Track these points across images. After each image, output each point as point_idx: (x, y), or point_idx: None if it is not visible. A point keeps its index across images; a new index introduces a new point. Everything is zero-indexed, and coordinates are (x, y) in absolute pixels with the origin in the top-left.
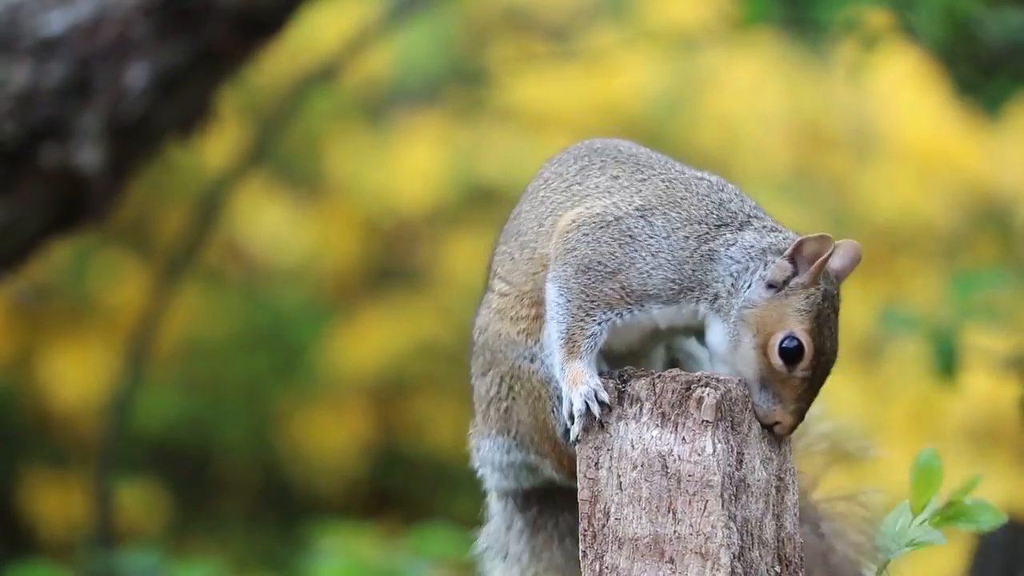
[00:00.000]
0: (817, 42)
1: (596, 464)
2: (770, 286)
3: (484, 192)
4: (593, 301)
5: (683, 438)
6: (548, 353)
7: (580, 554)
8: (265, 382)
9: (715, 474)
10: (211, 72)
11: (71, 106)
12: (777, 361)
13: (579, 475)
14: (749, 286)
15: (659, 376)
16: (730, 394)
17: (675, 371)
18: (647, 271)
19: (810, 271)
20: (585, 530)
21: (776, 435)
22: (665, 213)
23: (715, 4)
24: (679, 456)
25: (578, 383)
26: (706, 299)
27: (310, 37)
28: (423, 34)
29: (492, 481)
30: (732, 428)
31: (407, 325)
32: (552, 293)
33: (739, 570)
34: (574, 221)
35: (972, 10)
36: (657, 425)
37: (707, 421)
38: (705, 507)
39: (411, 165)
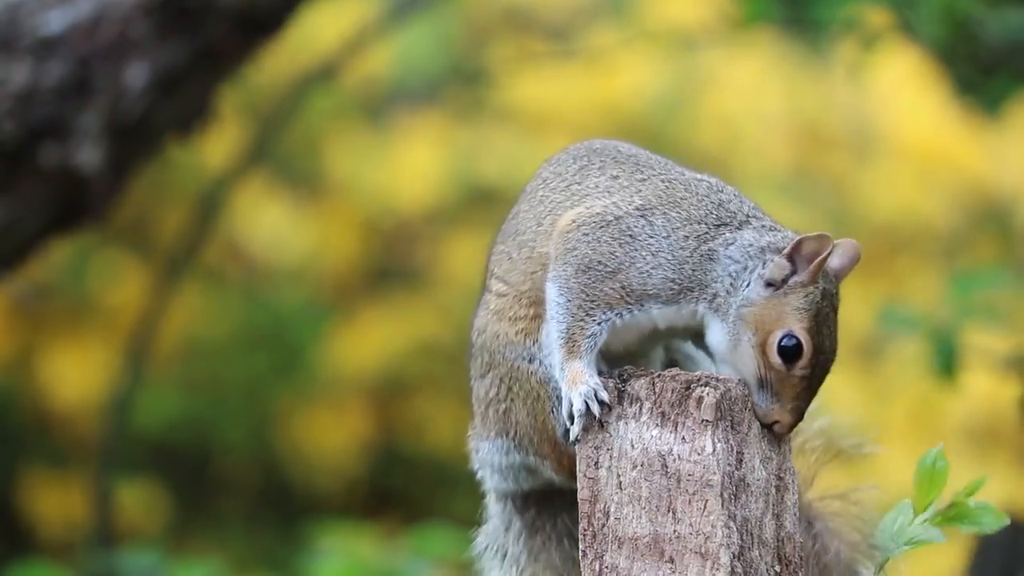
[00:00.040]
0: (817, 42)
1: (596, 464)
2: (769, 285)
3: (484, 192)
4: (593, 301)
5: (683, 437)
6: (547, 353)
7: (580, 554)
8: (265, 382)
9: (715, 473)
10: (211, 72)
11: (71, 105)
12: (776, 360)
13: (579, 475)
14: (748, 285)
15: (659, 375)
16: (730, 393)
17: (675, 370)
18: (647, 271)
19: (809, 270)
20: (585, 530)
21: (775, 434)
22: (665, 213)
23: (715, 4)
24: (679, 455)
25: (578, 383)
26: (705, 299)
27: (310, 37)
28: (423, 34)
29: (491, 482)
30: (732, 427)
31: (407, 325)
32: (552, 292)
33: (739, 569)
34: (574, 221)
35: (972, 10)
36: (657, 424)
37: (707, 420)
38: (705, 506)
39: (411, 165)
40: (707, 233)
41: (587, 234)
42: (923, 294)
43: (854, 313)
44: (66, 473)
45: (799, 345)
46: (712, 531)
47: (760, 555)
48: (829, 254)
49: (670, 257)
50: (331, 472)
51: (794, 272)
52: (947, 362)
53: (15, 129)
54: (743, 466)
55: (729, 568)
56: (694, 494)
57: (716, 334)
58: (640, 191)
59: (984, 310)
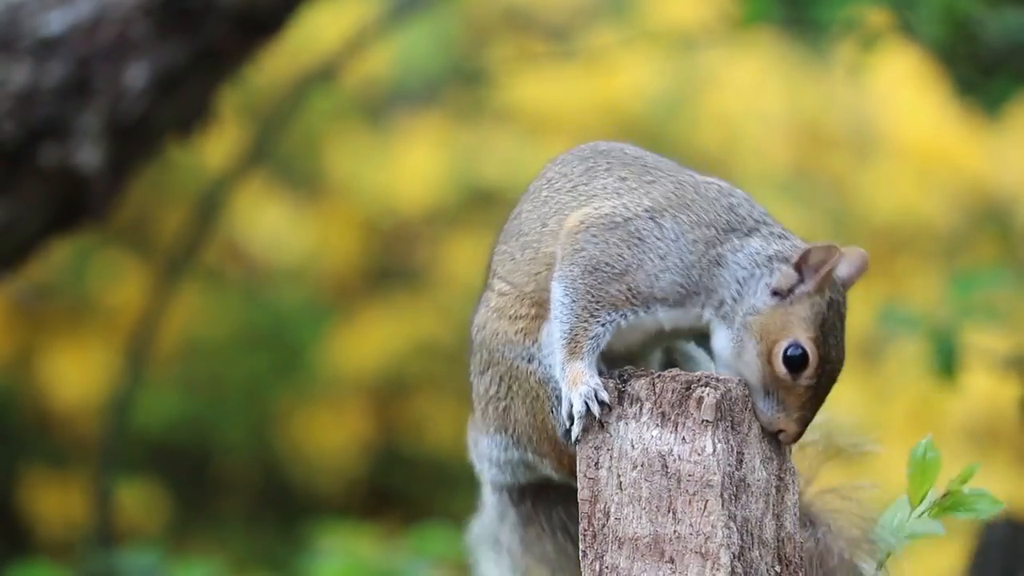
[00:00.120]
0: (817, 42)
1: (596, 464)
2: (775, 294)
3: (484, 192)
4: (599, 302)
5: (683, 438)
6: (548, 353)
7: (580, 554)
8: (265, 382)
9: (715, 474)
10: (211, 72)
11: (71, 106)
12: (781, 369)
13: (579, 475)
14: (754, 293)
15: (659, 376)
16: (730, 394)
17: (675, 371)
18: (655, 273)
19: (816, 280)
20: (585, 530)
21: (781, 443)
22: (675, 215)
23: (715, 4)
24: (679, 456)
25: (578, 383)
26: (712, 305)
27: (310, 37)
28: (423, 34)
29: (488, 475)
30: (732, 428)
31: (407, 325)
32: (557, 292)
33: (739, 570)
34: (582, 222)
35: (972, 9)
36: (657, 425)
37: (707, 421)
38: (705, 507)
39: (411, 165)
40: (716, 238)
41: (595, 235)
42: (923, 294)
43: (854, 313)
44: (66, 473)
45: (805, 355)
46: (712, 531)
47: (760, 555)
48: (836, 264)
49: (678, 261)
50: (331, 472)
51: (801, 281)
52: (947, 362)
53: (15, 129)
54: (743, 466)
55: (729, 568)
56: (694, 494)
57: (721, 341)
58: (649, 193)
59: (984, 310)
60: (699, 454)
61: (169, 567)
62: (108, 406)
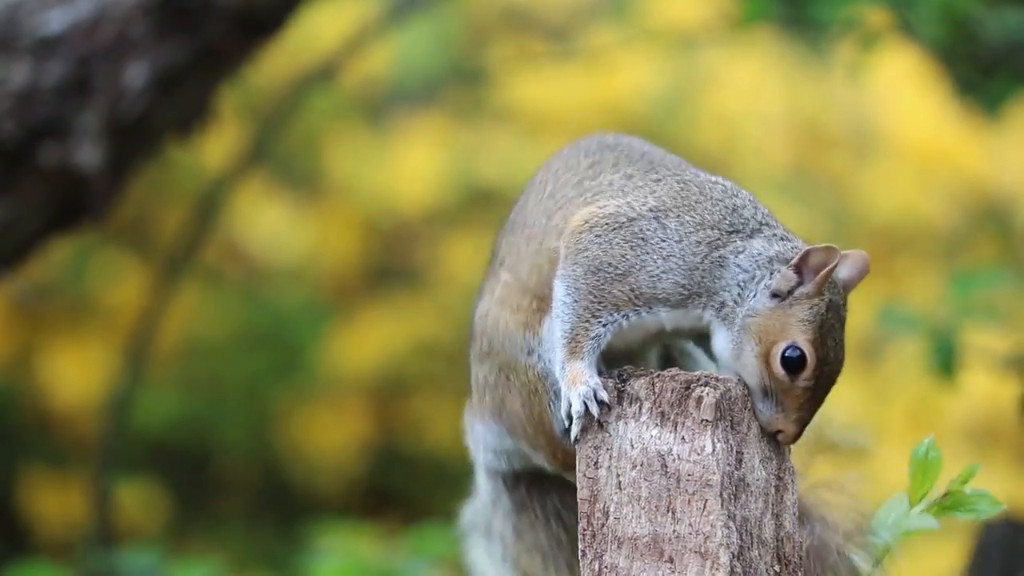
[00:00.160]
0: (816, 41)
1: (595, 463)
2: (774, 295)
3: (483, 192)
4: (600, 302)
5: (682, 437)
6: (548, 348)
7: (579, 553)
8: (264, 382)
9: (714, 473)
10: (210, 71)
11: (70, 105)
12: (779, 370)
13: (578, 474)
14: (754, 295)
15: (658, 375)
16: (729, 393)
17: (674, 370)
18: (657, 275)
19: (815, 282)
20: (584, 529)
21: (779, 443)
22: (679, 216)
23: (714, 3)
24: (678, 455)
25: (577, 383)
26: (713, 306)
27: (309, 36)
28: (422, 34)
29: (482, 460)
30: (731, 427)
31: (406, 325)
32: (559, 291)
33: (738, 569)
34: (586, 221)
35: (971, 9)
36: (656, 424)
37: (706, 420)
38: (704, 506)
39: (410, 165)
40: (719, 239)
41: (599, 235)
42: (923, 293)
43: (854, 313)
44: (65, 473)
45: (803, 357)
46: (711, 531)
47: (760, 555)
48: (835, 266)
49: (681, 262)
50: (331, 472)
51: (800, 283)
52: (946, 361)
53: (15, 129)
54: (743, 466)
55: (728, 568)
56: (694, 494)
57: (721, 342)
58: (654, 192)
59: (984, 310)
60: (698, 454)
61: (169, 567)
62: (108, 406)
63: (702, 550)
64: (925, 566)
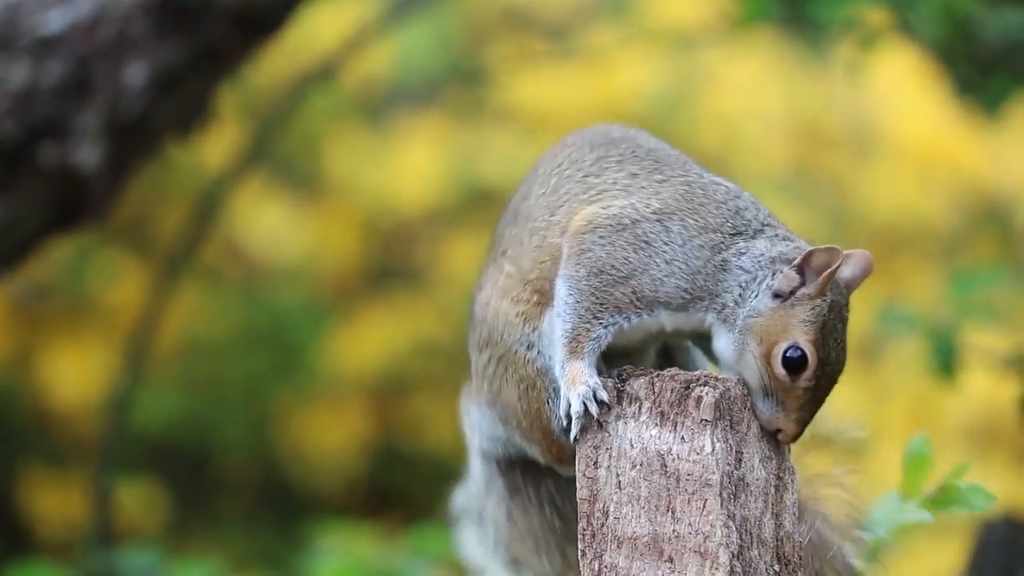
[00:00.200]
0: (816, 41)
1: (595, 463)
2: (776, 296)
3: (483, 192)
4: (602, 304)
5: (682, 437)
6: (547, 344)
7: (579, 553)
8: (264, 381)
9: (714, 473)
10: (210, 71)
11: (70, 105)
12: (780, 371)
13: (578, 474)
14: (756, 296)
15: (658, 375)
16: (729, 393)
17: (674, 370)
18: (660, 278)
19: (817, 282)
20: (584, 529)
21: (779, 442)
22: (683, 219)
23: (714, 3)
24: (678, 455)
25: (577, 383)
26: (714, 309)
27: (309, 36)
28: (422, 33)
29: (477, 442)
30: (731, 427)
31: (406, 325)
32: (562, 292)
33: (738, 569)
34: (590, 222)
35: (971, 9)
36: (656, 424)
37: (706, 420)
38: (704, 506)
39: (410, 165)
40: (722, 243)
41: (603, 237)
42: (922, 293)
43: (854, 312)
44: (65, 472)
45: (804, 357)
46: (711, 530)
47: (759, 554)
48: (838, 267)
49: (684, 266)
50: (330, 471)
51: (803, 284)
52: (946, 361)
53: (14, 128)
54: (742, 465)
55: (728, 567)
56: (693, 493)
57: (722, 343)
58: (659, 193)
59: (983, 309)
60: (698, 453)
61: (168, 566)
62: (107, 405)
63: (702, 550)
64: (925, 566)
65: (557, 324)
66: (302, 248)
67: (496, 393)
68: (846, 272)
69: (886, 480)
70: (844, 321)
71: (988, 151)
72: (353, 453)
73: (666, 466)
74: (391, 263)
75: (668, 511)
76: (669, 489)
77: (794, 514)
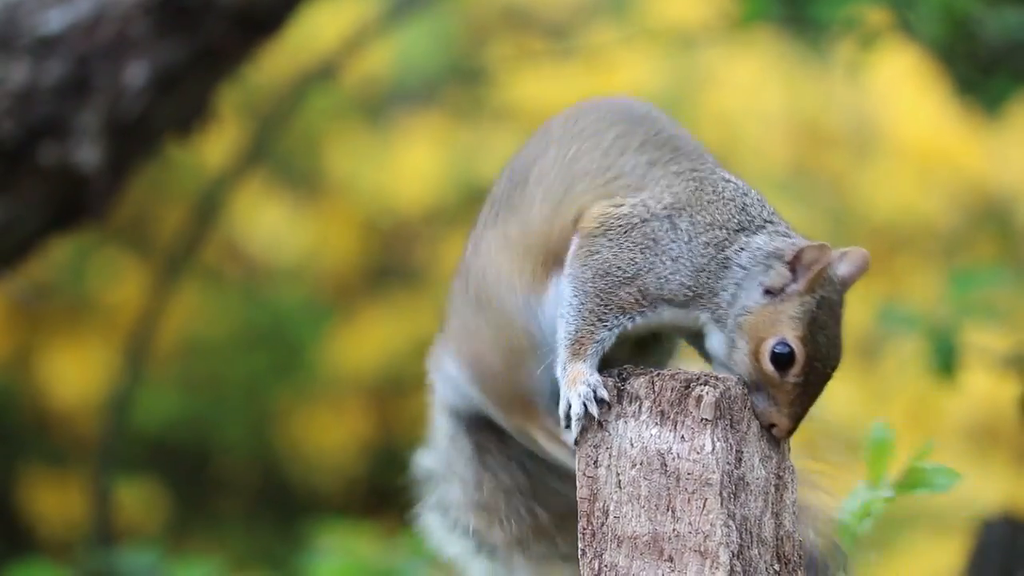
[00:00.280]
0: (816, 40)
1: (595, 462)
2: (768, 292)
3: (483, 191)
4: (607, 306)
5: (682, 436)
6: (548, 314)
7: (579, 552)
8: (264, 381)
9: (714, 472)
10: (210, 71)
11: (70, 104)
12: (768, 367)
13: (578, 473)
14: (748, 292)
15: (658, 374)
16: (729, 392)
17: (674, 369)
18: (665, 276)
19: (806, 279)
20: (584, 528)
21: (774, 437)
22: (691, 216)
23: (714, 2)
24: (678, 454)
25: (577, 383)
26: (710, 308)
27: (309, 36)
28: (422, 33)
29: (444, 396)
30: (731, 426)
31: (406, 324)
32: (567, 292)
33: (738, 568)
34: (601, 224)
35: (971, 9)
36: (656, 423)
37: (706, 419)
38: (704, 505)
39: (410, 164)
40: (726, 239)
41: (611, 239)
42: (922, 293)
43: (853, 312)
44: (65, 472)
45: (791, 353)
46: (711, 530)
47: (759, 554)
48: (827, 264)
49: (689, 264)
50: (330, 471)
51: (794, 280)
52: (946, 361)
53: (14, 128)
54: (742, 465)
55: (728, 567)
56: (693, 493)
57: (714, 341)
58: (672, 186)
59: (983, 309)
60: (698, 452)
61: (168, 566)
62: (107, 405)
63: (702, 549)
64: (925, 565)
65: (560, 325)
66: (302, 248)
67: (476, 352)
68: (842, 269)
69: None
70: (837, 318)
71: (988, 151)
72: (353, 453)
73: (666, 465)
74: (391, 263)
75: (668, 510)
76: (669, 488)
77: (794, 513)
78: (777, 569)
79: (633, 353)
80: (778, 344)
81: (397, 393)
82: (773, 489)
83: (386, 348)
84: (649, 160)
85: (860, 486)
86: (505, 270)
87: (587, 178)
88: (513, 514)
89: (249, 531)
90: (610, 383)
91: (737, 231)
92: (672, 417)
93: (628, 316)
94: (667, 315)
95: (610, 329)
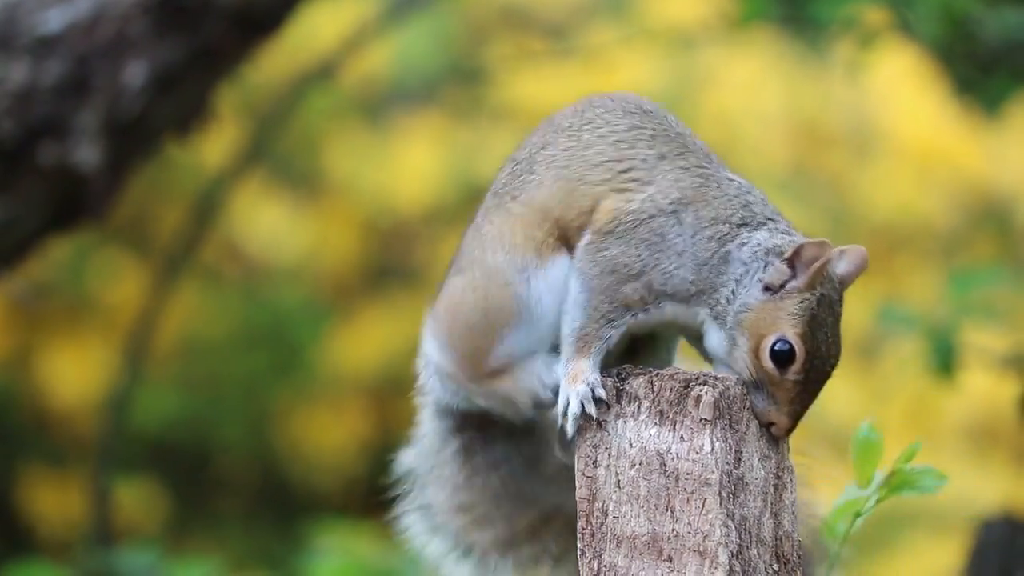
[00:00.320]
0: (815, 40)
1: (594, 462)
2: (767, 288)
3: (482, 191)
4: (613, 303)
5: (681, 436)
6: (545, 286)
7: (578, 552)
8: (263, 381)
9: (713, 472)
10: (209, 70)
11: (69, 104)
12: (768, 364)
13: (577, 473)
14: (747, 289)
15: (657, 374)
16: (728, 392)
17: (673, 369)
18: (670, 271)
19: (806, 276)
20: (583, 528)
21: (773, 435)
22: (696, 211)
23: (713, 2)
24: (677, 454)
25: (577, 381)
26: (709, 304)
27: (308, 36)
28: (421, 33)
29: (434, 391)
30: (730, 426)
31: (405, 324)
32: (574, 288)
33: (737, 568)
34: (614, 219)
35: (970, 8)
36: (655, 423)
37: (705, 419)
38: (703, 505)
39: (409, 164)
40: (728, 234)
41: (620, 237)
42: (921, 292)
43: (852, 311)
44: (65, 472)
45: (791, 350)
46: (710, 530)
47: (758, 553)
48: (827, 261)
49: (692, 258)
50: (330, 471)
51: (793, 277)
52: (945, 360)
53: (13, 128)
54: (741, 465)
55: (727, 566)
56: (692, 493)
57: (713, 338)
58: (679, 180)
59: (982, 308)
60: (697, 452)
61: (167, 566)
62: (106, 405)
63: (701, 549)
64: (924, 565)
65: (565, 322)
66: (301, 247)
67: (451, 309)
68: (840, 267)
69: None
70: (836, 315)
71: (987, 150)
72: (352, 452)
73: (665, 465)
74: (390, 262)
75: (667, 510)
76: (668, 488)
77: (793, 513)
78: (776, 569)
79: (627, 357)
80: (778, 341)
81: (396, 393)
82: (772, 489)
83: (385, 348)
84: (659, 154)
85: (848, 487)
86: (512, 231)
87: (600, 167)
88: (499, 516)
89: (248, 531)
90: (609, 383)
91: (740, 226)
92: (671, 417)
93: (632, 313)
94: (669, 311)
95: (615, 327)
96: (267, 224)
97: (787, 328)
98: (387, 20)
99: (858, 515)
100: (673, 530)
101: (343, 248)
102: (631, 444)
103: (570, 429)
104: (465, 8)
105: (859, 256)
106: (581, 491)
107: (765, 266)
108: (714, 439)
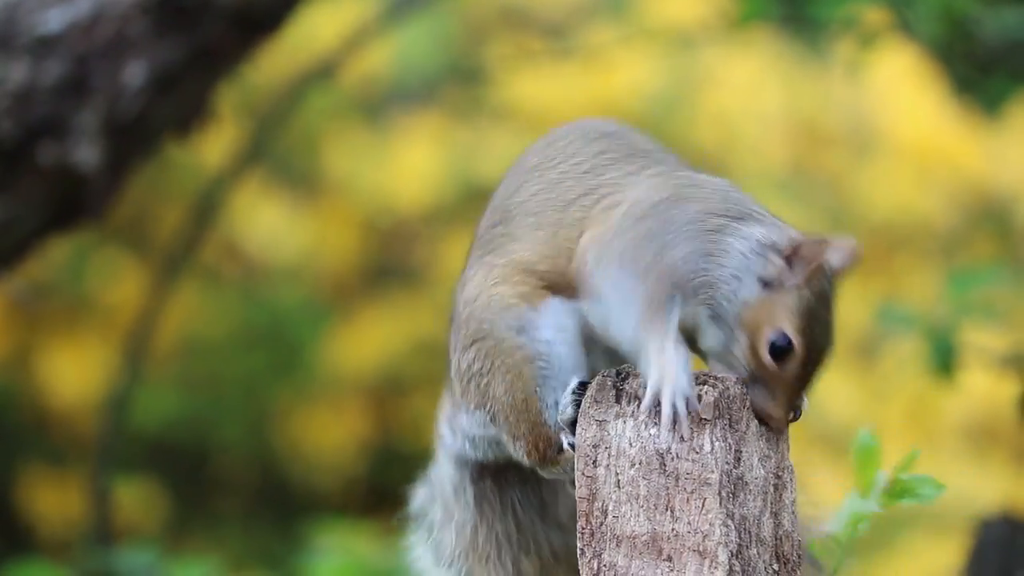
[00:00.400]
0: (815, 40)
1: (594, 462)
2: (765, 284)
3: (482, 191)
4: (661, 280)
5: (681, 436)
6: (543, 332)
7: (578, 552)
8: (263, 380)
9: (713, 472)
10: (208, 70)
11: (68, 104)
12: (767, 358)
13: (576, 473)
14: (745, 284)
15: None
16: (728, 392)
17: None
18: (676, 262)
19: (804, 272)
20: (583, 528)
21: (772, 429)
22: (687, 204)
23: (713, 2)
24: (677, 454)
25: (667, 377)
26: (710, 303)
27: (308, 35)
28: (421, 32)
29: (456, 447)
30: (730, 426)
31: (405, 324)
32: (611, 276)
33: (737, 568)
34: (624, 212)
35: (969, 8)
36: (655, 423)
37: (705, 419)
38: (703, 505)
39: (409, 164)
40: (726, 227)
41: (622, 235)
42: (921, 292)
43: (852, 311)
44: (64, 471)
45: (790, 344)
46: (710, 529)
47: (758, 553)
48: (826, 257)
49: (693, 247)
50: (329, 470)
51: (791, 273)
52: (944, 360)
53: (13, 128)
54: (741, 464)
55: (727, 566)
56: (692, 492)
57: (710, 334)
58: (657, 187)
59: (982, 308)
60: (697, 452)
61: (167, 565)
62: (106, 404)
63: (700, 548)
64: (924, 565)
65: (621, 307)
66: (301, 247)
67: (484, 391)
68: (833, 260)
69: None
70: (830, 308)
71: (987, 150)
72: (352, 452)
73: (665, 465)
74: (390, 262)
75: (667, 510)
76: (668, 488)
77: (793, 513)
78: (776, 569)
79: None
80: (776, 336)
81: (396, 393)
82: (772, 489)
83: (385, 348)
84: (627, 172)
85: (849, 495)
86: (499, 293)
87: (573, 205)
88: (504, 562)
89: (248, 531)
90: (608, 383)
91: (739, 218)
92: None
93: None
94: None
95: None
96: (266, 224)
97: (785, 322)
98: (387, 20)
99: (859, 523)
100: (673, 530)
101: (342, 248)
102: (631, 444)
103: (663, 433)
104: (465, 8)
105: (850, 248)
106: (581, 490)
107: (763, 262)
108: (714, 439)
